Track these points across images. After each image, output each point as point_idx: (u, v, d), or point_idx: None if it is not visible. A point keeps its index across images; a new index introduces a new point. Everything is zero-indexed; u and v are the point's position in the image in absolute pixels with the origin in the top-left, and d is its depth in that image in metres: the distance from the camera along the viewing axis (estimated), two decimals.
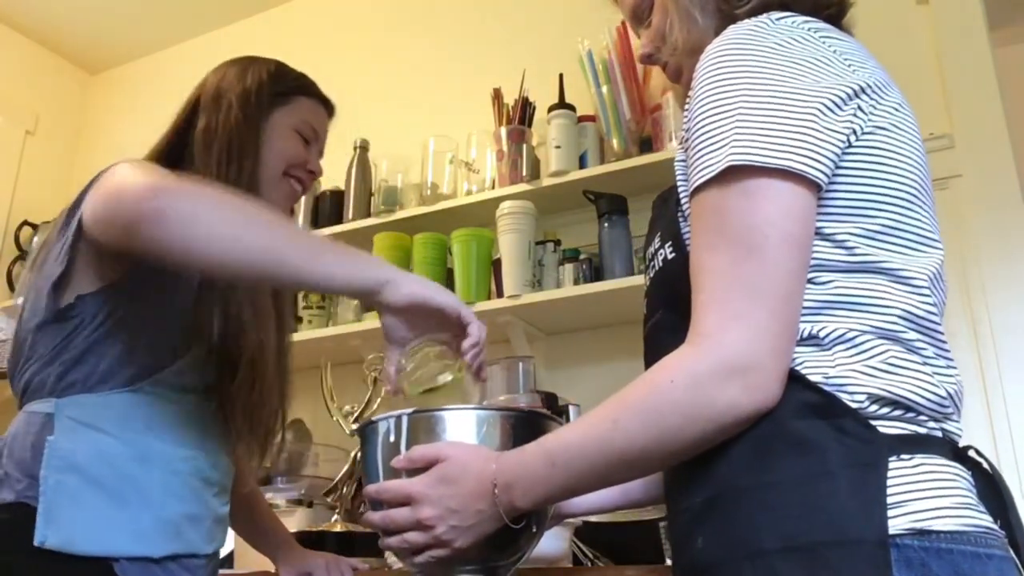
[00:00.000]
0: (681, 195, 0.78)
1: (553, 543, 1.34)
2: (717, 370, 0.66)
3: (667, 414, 0.68)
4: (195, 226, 0.82)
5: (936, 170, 1.70)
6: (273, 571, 1.55)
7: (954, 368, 0.73)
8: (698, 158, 0.71)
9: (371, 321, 2.03)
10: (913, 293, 0.71)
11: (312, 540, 1.53)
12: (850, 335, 0.68)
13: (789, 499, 0.65)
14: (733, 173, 0.68)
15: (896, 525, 0.62)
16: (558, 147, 1.95)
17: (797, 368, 0.68)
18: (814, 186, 0.69)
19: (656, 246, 0.83)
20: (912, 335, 0.70)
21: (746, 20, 0.76)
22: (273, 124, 1.14)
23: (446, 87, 2.43)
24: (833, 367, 0.68)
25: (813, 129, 0.69)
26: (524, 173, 1.99)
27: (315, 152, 1.21)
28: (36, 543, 0.89)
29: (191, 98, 1.16)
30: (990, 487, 0.70)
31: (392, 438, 0.87)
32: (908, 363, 0.68)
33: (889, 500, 0.63)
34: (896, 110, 0.75)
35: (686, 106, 0.78)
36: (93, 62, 3.24)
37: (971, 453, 0.71)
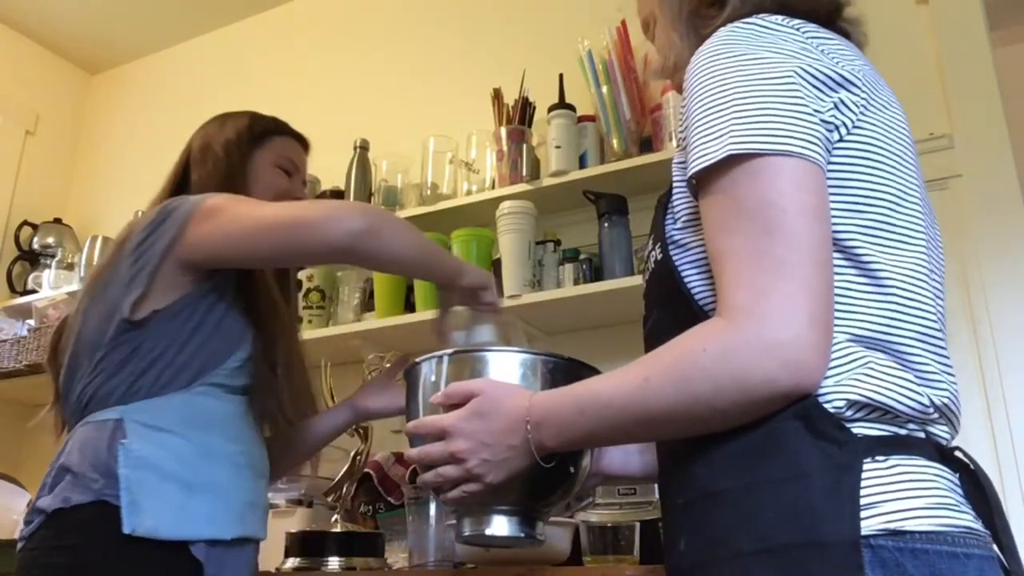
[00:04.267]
0: (676, 195, 0.79)
1: (553, 543, 1.34)
2: (752, 343, 0.65)
3: (698, 381, 0.67)
4: (395, 236, 1.11)
5: (936, 170, 1.72)
6: (273, 571, 1.55)
7: (949, 375, 0.73)
8: (696, 149, 0.72)
9: (371, 321, 2.03)
10: (894, 297, 0.70)
11: (312, 540, 1.53)
12: (835, 340, 0.68)
13: (764, 501, 0.66)
14: (737, 159, 0.69)
15: (869, 526, 0.63)
16: (558, 147, 1.95)
17: None
18: (816, 166, 0.69)
19: (649, 248, 0.85)
20: (895, 340, 0.70)
21: (730, 24, 0.78)
22: (256, 164, 1.32)
23: (446, 87, 2.43)
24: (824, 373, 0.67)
25: (805, 115, 0.70)
26: (524, 173, 1.99)
27: (297, 182, 1.37)
28: (125, 532, 1.01)
29: (181, 158, 1.33)
30: (976, 487, 0.70)
31: (433, 378, 0.90)
32: (888, 370, 0.68)
33: (863, 501, 0.63)
34: (886, 108, 0.76)
35: (681, 109, 0.79)
36: (93, 62, 3.24)
37: (957, 454, 0.71)
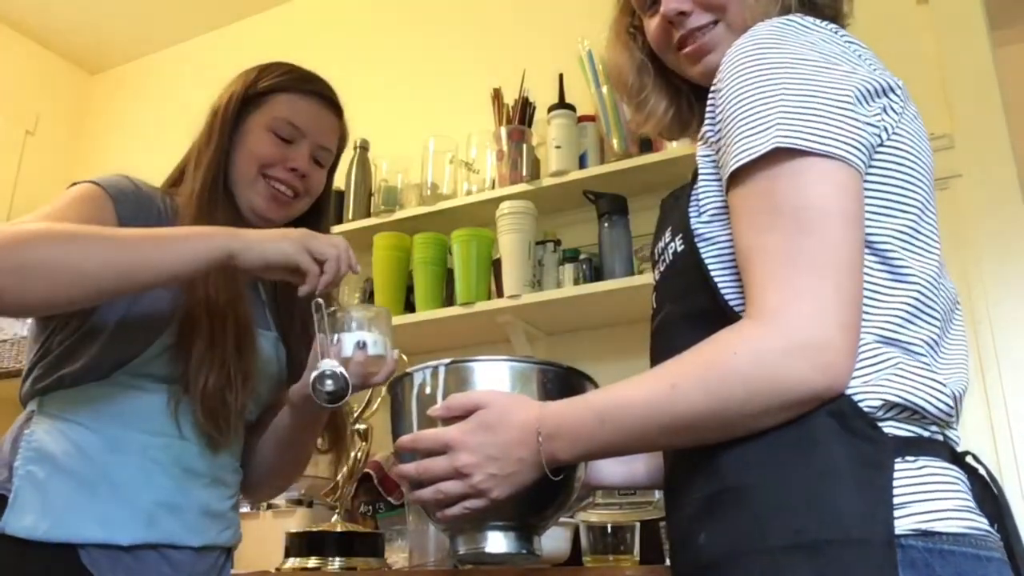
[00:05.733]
0: (703, 187, 0.78)
1: (553, 543, 1.34)
2: (786, 346, 0.65)
3: (730, 385, 0.66)
4: (29, 279, 0.85)
5: (936, 170, 1.71)
6: (273, 571, 1.55)
7: (961, 363, 0.73)
8: (737, 142, 0.70)
9: None
10: (922, 301, 0.71)
11: (312, 540, 1.53)
12: (863, 342, 0.68)
13: (796, 496, 0.65)
14: (779, 156, 0.68)
15: (901, 526, 0.63)
16: (558, 147, 1.95)
17: None
18: (857, 172, 0.69)
19: (666, 240, 0.82)
20: (919, 342, 0.70)
21: (772, 20, 0.77)
22: (247, 128, 1.15)
23: (446, 87, 2.43)
24: (853, 374, 0.67)
25: (851, 118, 0.70)
26: (524, 173, 1.99)
27: (301, 149, 1.15)
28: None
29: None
30: (986, 492, 0.71)
31: (428, 389, 0.85)
32: (916, 371, 0.69)
33: (895, 501, 0.63)
34: (915, 118, 0.77)
35: (710, 102, 0.78)
36: (93, 62, 3.24)
37: (968, 459, 0.72)
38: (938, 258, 0.74)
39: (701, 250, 0.76)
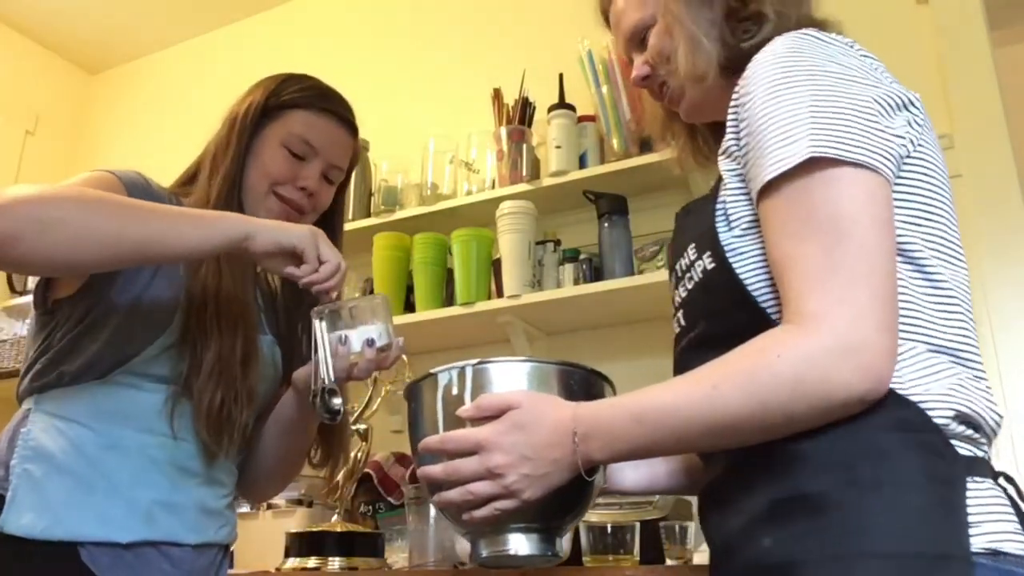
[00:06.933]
0: (732, 201, 0.78)
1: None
2: (829, 349, 0.66)
3: (773, 387, 0.67)
4: (48, 233, 0.86)
5: None
6: (273, 571, 1.55)
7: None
8: (770, 153, 0.72)
9: None
10: (960, 309, 0.73)
11: (312, 540, 1.53)
12: (915, 351, 0.70)
13: (875, 507, 0.66)
14: (812, 165, 0.70)
15: (975, 544, 0.64)
16: (558, 147, 1.95)
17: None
18: (887, 181, 0.71)
19: (691, 257, 0.82)
20: (966, 352, 0.72)
21: (789, 33, 0.78)
22: (262, 141, 1.15)
23: (446, 87, 2.43)
24: (914, 382, 0.69)
25: (879, 129, 0.72)
26: (524, 173, 1.99)
27: (313, 168, 1.16)
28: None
29: None
30: (1017, 511, 0.72)
31: (455, 390, 0.84)
32: (970, 383, 0.71)
33: (968, 519, 0.65)
34: (932, 129, 0.79)
35: (732, 115, 0.79)
36: (93, 62, 3.24)
37: (1001, 480, 0.73)
38: (966, 268, 0.76)
39: (736, 267, 0.76)
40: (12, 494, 0.94)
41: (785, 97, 0.73)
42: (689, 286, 0.83)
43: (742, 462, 0.75)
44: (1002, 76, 1.74)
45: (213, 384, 1.02)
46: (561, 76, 2.05)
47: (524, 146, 2.01)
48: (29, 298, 2.61)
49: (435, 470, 0.80)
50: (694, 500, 1.19)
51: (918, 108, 0.77)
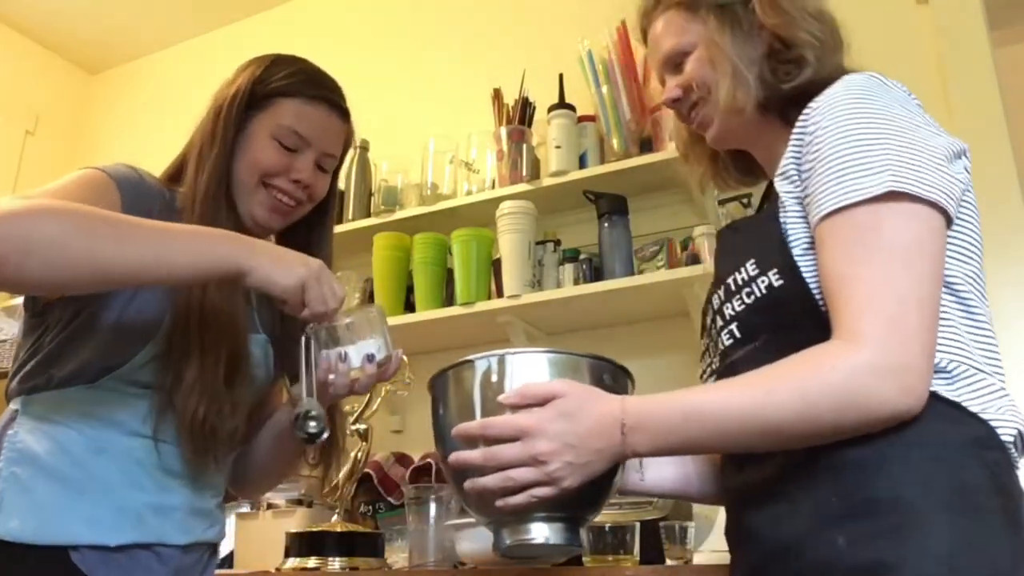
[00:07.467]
0: (791, 222, 0.83)
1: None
2: (878, 366, 0.71)
3: (823, 396, 0.72)
4: (34, 255, 0.81)
5: None
6: (273, 571, 1.55)
7: None
8: (846, 181, 0.77)
9: None
10: (994, 341, 0.80)
11: (312, 540, 1.54)
12: (968, 372, 0.76)
13: (943, 521, 0.70)
14: (889, 197, 0.75)
15: None
16: (558, 147, 1.95)
17: (949, 395, 0.75)
18: (947, 219, 0.78)
19: (751, 273, 0.85)
20: (999, 377, 0.78)
21: (859, 73, 0.84)
22: (251, 132, 1.09)
23: (446, 87, 2.43)
24: (978, 400, 0.75)
25: (947, 172, 0.78)
26: (524, 173, 1.99)
27: (306, 159, 1.10)
28: None
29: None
30: None
31: (495, 377, 0.85)
32: (1013, 403, 0.77)
33: None
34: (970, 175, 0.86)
35: (796, 141, 0.84)
36: (93, 62, 3.24)
37: None
38: (988, 306, 0.82)
39: (809, 284, 0.80)
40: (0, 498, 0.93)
41: (863, 130, 0.78)
42: (749, 300, 0.85)
43: (802, 459, 0.77)
44: (1002, 76, 1.74)
45: (195, 398, 1.00)
46: (561, 76, 2.05)
47: (524, 146, 2.01)
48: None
49: (473, 455, 0.81)
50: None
51: (968, 157, 0.84)
